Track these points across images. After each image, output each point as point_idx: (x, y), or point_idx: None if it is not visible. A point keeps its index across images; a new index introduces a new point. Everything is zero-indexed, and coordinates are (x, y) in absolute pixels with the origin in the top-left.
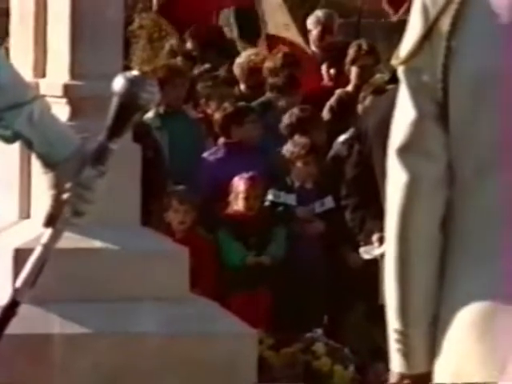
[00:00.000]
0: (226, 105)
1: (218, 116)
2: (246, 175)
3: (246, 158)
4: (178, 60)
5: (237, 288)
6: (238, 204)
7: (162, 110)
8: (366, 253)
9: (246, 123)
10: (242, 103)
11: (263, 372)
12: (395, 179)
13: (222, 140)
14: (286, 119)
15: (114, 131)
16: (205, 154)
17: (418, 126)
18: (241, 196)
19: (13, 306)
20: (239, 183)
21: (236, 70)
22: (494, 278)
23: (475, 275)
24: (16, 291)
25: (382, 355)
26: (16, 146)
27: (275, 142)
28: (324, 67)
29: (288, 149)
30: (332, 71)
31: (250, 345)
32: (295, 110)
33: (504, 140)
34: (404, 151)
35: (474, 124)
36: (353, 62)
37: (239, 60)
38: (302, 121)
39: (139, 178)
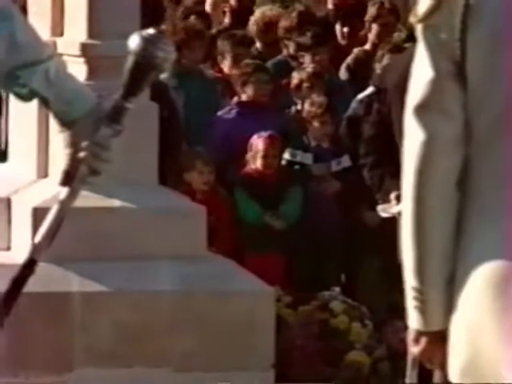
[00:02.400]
0: (241, 64)
1: (232, 74)
2: (264, 134)
3: (260, 117)
4: (192, 19)
5: (254, 247)
6: (256, 163)
7: (178, 69)
8: (384, 211)
9: (260, 82)
10: (256, 62)
11: (280, 330)
12: (412, 138)
13: (235, 99)
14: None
15: (130, 90)
16: (218, 113)
17: (435, 85)
18: (259, 155)
19: (30, 265)
20: (258, 142)
21: (251, 27)
22: (508, 238)
23: (492, 233)
24: (33, 250)
25: (400, 313)
26: (33, 105)
27: (290, 102)
28: (338, 26)
29: (305, 108)
30: (346, 30)
31: (268, 303)
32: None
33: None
34: (421, 110)
35: (491, 82)
36: (373, 20)
37: (254, 18)
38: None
39: (156, 137)
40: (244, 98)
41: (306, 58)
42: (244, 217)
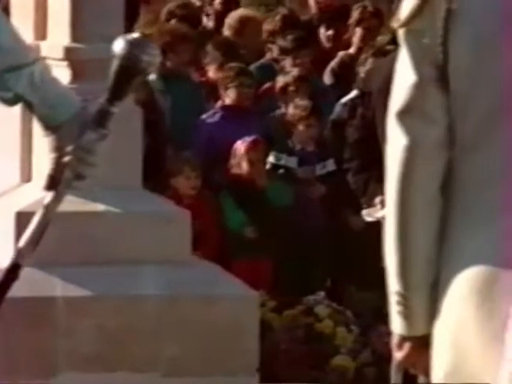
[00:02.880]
0: (224, 67)
1: (215, 78)
2: (248, 139)
3: (244, 120)
4: (173, 23)
5: (239, 251)
6: (240, 168)
7: (165, 73)
8: (369, 215)
9: (243, 86)
10: (239, 66)
11: (265, 334)
12: (395, 142)
13: (219, 103)
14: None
15: (115, 94)
16: (203, 117)
17: (417, 89)
18: (244, 160)
19: (14, 269)
20: (241, 147)
21: (226, 28)
22: (495, 240)
23: (476, 237)
24: (18, 254)
25: (385, 318)
26: (17, 109)
27: (274, 105)
28: (322, 29)
29: (289, 111)
30: (330, 33)
31: (252, 307)
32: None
33: (507, 97)
34: (404, 114)
35: (476, 86)
36: (357, 24)
37: (229, 20)
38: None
39: (140, 141)
40: (227, 101)
41: (287, 62)
42: (228, 224)
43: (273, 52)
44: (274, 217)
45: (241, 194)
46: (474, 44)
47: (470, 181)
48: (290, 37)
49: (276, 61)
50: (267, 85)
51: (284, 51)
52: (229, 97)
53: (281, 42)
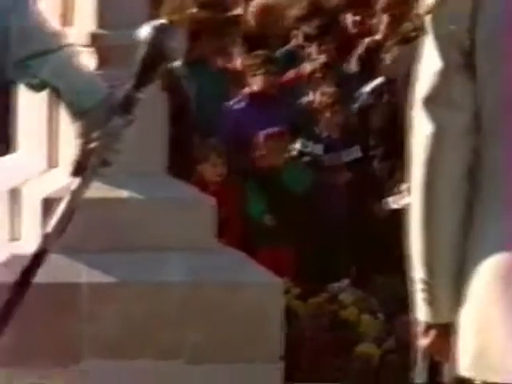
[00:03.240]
0: (251, 55)
1: (241, 65)
2: (270, 131)
3: (270, 108)
4: (198, 10)
5: (263, 238)
6: (264, 159)
7: (190, 59)
8: (394, 202)
9: (269, 74)
10: (266, 53)
11: (290, 322)
12: (421, 130)
13: (246, 90)
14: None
15: (141, 80)
16: (229, 104)
17: (443, 76)
18: (266, 152)
19: (41, 255)
20: (264, 139)
21: (250, 14)
22: None
23: (502, 226)
24: (45, 240)
25: (410, 305)
26: (44, 95)
27: (300, 92)
28: (348, 15)
29: (315, 98)
30: (356, 19)
31: (277, 294)
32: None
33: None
34: (430, 101)
35: (491, 71)
36: (384, 10)
37: (251, 8)
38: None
39: (166, 127)
40: (254, 88)
41: (313, 48)
42: (252, 211)
43: (298, 38)
44: (297, 204)
45: (265, 181)
46: (493, 28)
47: (495, 169)
48: (314, 23)
49: (301, 47)
50: (293, 71)
51: (309, 38)
52: (255, 84)
53: (305, 28)
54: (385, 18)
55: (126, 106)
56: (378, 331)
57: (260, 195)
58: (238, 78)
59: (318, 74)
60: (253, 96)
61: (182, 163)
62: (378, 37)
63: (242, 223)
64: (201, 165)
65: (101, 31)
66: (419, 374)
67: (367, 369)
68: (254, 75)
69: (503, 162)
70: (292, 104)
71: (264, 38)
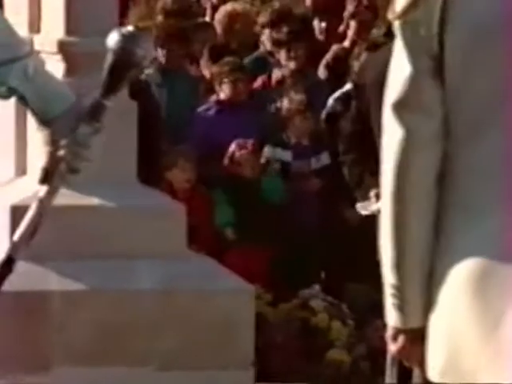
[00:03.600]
0: (219, 62)
1: (210, 73)
2: (240, 141)
3: (239, 115)
4: (159, 18)
5: (233, 245)
6: (233, 168)
7: (162, 67)
8: (364, 208)
9: (237, 82)
10: (234, 60)
11: (260, 328)
12: (391, 134)
13: (213, 98)
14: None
15: (109, 88)
16: (198, 111)
17: (413, 82)
18: (235, 161)
19: (9, 263)
20: (234, 149)
21: (217, 21)
22: (493, 233)
23: (472, 230)
24: (12, 248)
25: (381, 311)
26: (11, 103)
27: (269, 99)
28: (316, 22)
29: (284, 105)
30: (323, 25)
31: (248, 301)
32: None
33: (508, 88)
34: (399, 107)
35: (471, 78)
36: (351, 17)
37: (218, 16)
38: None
39: (136, 135)
40: (222, 96)
41: (282, 55)
42: (222, 218)
43: (265, 45)
44: (268, 211)
45: (234, 189)
46: (471, 35)
47: (465, 173)
48: (284, 29)
49: (270, 54)
50: (261, 78)
51: (277, 44)
52: (223, 92)
53: (274, 34)
54: (353, 24)
55: (94, 113)
56: (348, 337)
57: (228, 203)
58: (209, 85)
59: (288, 81)
60: (221, 103)
61: (150, 170)
62: (346, 43)
63: (212, 230)
64: (169, 171)
65: (68, 38)
66: (390, 380)
67: (338, 375)
68: (223, 83)
69: (503, 155)
70: (261, 111)
71: (231, 45)
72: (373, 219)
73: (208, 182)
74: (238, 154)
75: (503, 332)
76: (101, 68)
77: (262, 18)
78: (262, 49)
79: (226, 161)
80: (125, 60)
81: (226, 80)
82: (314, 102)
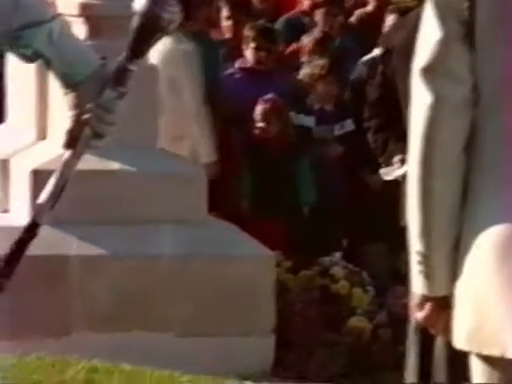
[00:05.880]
0: (245, 27)
1: (236, 36)
2: (265, 98)
3: (262, 81)
4: None
5: (254, 212)
6: (259, 129)
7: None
8: (387, 174)
9: (261, 49)
10: (260, 25)
11: (281, 295)
12: (419, 100)
13: (237, 63)
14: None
15: (135, 52)
16: (222, 76)
17: (443, 47)
18: (261, 119)
19: (33, 228)
20: (259, 107)
21: None
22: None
23: (498, 197)
24: (36, 212)
25: (402, 278)
26: (32, 67)
27: (295, 65)
28: None
29: (306, 71)
30: None
31: (268, 267)
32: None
33: None
34: (429, 72)
35: (496, 45)
36: None
37: None
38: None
39: (157, 100)
40: (246, 62)
41: (318, 16)
42: (244, 184)
43: (303, 5)
44: (290, 177)
45: (258, 155)
46: (499, 1)
47: (492, 141)
48: None
49: (307, 14)
50: (293, 45)
51: (315, 5)
52: (248, 57)
53: None
54: None
55: (120, 78)
56: (369, 305)
57: (254, 168)
58: (235, 49)
59: (312, 46)
60: (244, 70)
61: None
62: (369, 8)
63: (234, 196)
64: None
65: (91, 1)
66: (412, 347)
67: (358, 343)
68: (247, 48)
69: (506, 133)
70: (285, 76)
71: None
72: (395, 185)
73: (231, 148)
74: (261, 108)
75: None
76: (122, 31)
77: None
78: (297, 9)
79: (248, 125)
80: (151, 24)
81: (251, 45)
82: (337, 66)
